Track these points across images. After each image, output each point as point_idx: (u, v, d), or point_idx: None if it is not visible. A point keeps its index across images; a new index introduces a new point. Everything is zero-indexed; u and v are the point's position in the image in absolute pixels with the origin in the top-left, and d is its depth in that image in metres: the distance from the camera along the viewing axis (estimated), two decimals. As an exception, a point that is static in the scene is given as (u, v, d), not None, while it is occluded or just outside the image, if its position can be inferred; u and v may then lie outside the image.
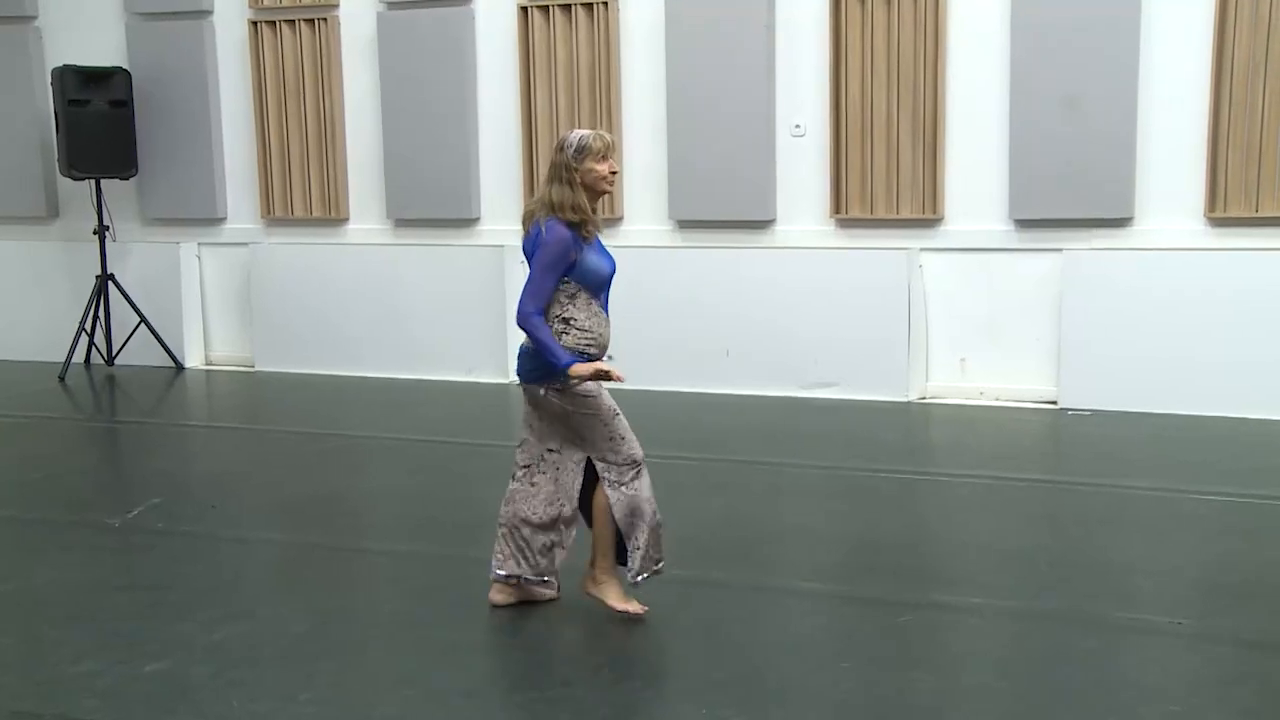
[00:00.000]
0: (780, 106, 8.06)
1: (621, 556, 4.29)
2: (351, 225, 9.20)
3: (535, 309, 4.11)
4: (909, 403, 7.78)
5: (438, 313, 8.82)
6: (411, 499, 6.00)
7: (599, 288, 4.22)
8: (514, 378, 4.46)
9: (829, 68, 7.88)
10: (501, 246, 8.59)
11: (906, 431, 7.34)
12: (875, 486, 6.04)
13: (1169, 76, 7.31)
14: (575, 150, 4.14)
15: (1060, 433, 7.18)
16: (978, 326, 7.86)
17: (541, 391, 4.21)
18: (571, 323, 4.16)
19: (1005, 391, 7.81)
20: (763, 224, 8.13)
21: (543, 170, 8.55)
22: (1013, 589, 4.67)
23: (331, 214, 9.17)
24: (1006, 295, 7.77)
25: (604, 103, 8.38)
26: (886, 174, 7.87)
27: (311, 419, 7.82)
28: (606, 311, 4.27)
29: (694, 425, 7.33)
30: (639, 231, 8.50)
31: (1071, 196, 7.48)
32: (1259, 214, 7.20)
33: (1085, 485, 5.96)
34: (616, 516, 4.22)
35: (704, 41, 8.08)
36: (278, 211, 9.29)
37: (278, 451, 7.01)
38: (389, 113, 8.88)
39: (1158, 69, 7.32)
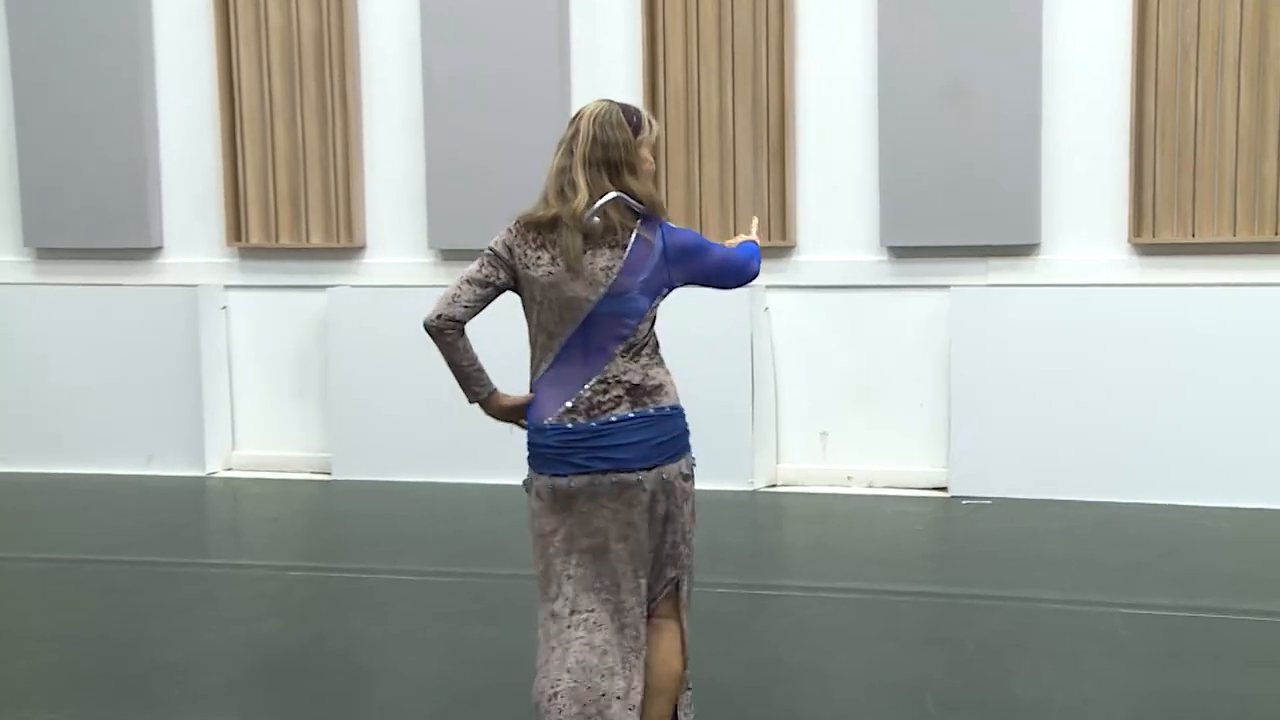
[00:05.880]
0: (576, 100, 8.23)
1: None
2: (-25, 258, 9.02)
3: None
4: (754, 492, 7.96)
5: (102, 379, 8.64)
6: (65, 644, 5.84)
7: None
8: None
9: (641, 54, 8.10)
10: (194, 286, 8.49)
11: (752, 531, 7.50)
12: (712, 607, 6.13)
13: (1080, 63, 7.72)
14: (642, 127, 3.90)
15: (952, 529, 7.45)
16: (843, 389, 8.11)
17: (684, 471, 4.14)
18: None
19: (880, 475, 8.07)
20: (556, 255, 8.26)
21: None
22: (892, 738, 4.84)
23: (-53, 243, 8.96)
24: (880, 347, 8.05)
25: (336, 90, 8.42)
26: (719, 189, 8.10)
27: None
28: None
29: (466, 530, 7.35)
30: (387, 266, 8.53)
31: (961, 218, 7.80)
32: (1195, 239, 7.63)
33: (983, 598, 6.19)
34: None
35: (473, 14, 8.21)
36: None
37: None
38: (23, 106, 8.75)
39: (1065, 53, 7.71)
